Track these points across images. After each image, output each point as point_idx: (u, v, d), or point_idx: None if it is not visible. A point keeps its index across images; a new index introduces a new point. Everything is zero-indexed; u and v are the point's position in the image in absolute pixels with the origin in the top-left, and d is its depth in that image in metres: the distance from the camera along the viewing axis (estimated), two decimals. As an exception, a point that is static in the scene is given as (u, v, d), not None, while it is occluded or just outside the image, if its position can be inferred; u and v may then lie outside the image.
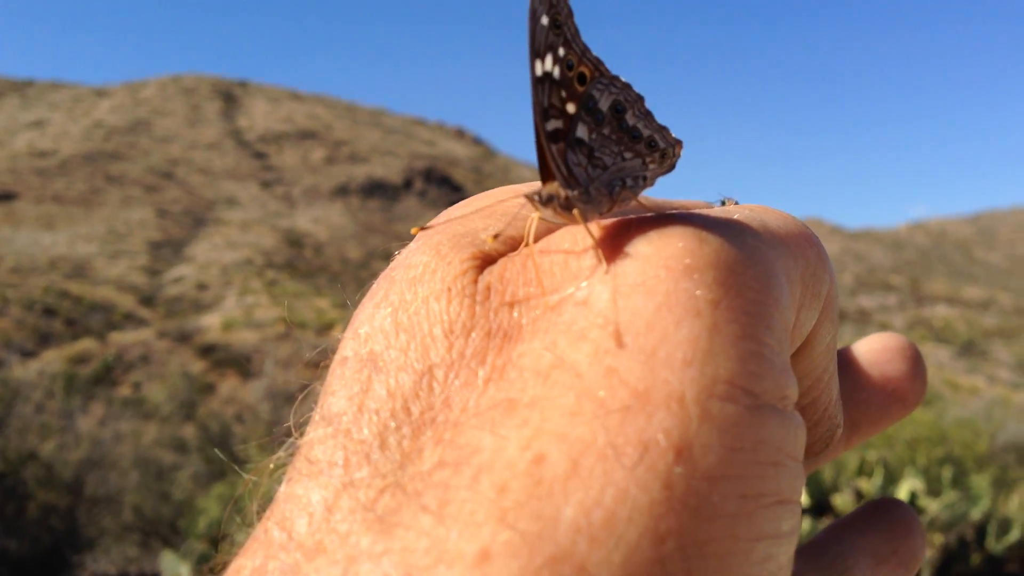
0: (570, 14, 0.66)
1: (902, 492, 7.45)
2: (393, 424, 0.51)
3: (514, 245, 0.61)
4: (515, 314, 0.55)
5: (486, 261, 0.59)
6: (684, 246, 0.55)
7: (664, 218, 0.59)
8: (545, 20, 0.63)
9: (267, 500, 0.54)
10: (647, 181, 0.70)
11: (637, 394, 0.47)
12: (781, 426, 0.50)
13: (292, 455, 0.54)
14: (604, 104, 0.68)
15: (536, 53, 0.63)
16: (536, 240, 0.62)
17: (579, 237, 0.60)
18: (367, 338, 0.56)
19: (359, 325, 0.58)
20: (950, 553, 7.55)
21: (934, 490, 7.83)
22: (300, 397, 0.60)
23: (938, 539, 7.32)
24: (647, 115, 0.69)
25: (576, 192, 0.64)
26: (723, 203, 0.82)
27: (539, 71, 0.63)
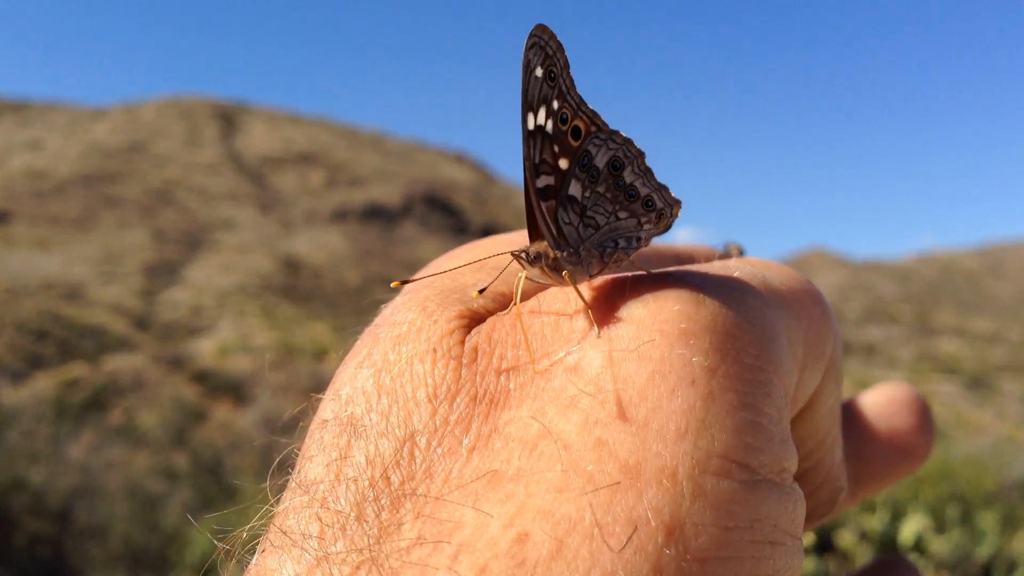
0: (566, 65, 0.62)
1: (907, 530, 7.34)
2: (372, 494, 0.50)
3: (505, 303, 0.60)
4: (503, 379, 0.53)
5: (475, 320, 0.58)
6: (680, 309, 0.53)
7: (660, 278, 0.57)
8: (539, 72, 0.61)
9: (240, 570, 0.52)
10: (641, 242, 0.68)
11: (627, 469, 0.46)
12: (779, 502, 0.49)
13: (268, 523, 0.53)
14: (601, 160, 0.64)
15: (528, 106, 0.61)
16: (527, 298, 0.60)
17: (572, 297, 0.58)
18: (348, 400, 0.55)
19: (340, 386, 0.56)
20: (956, 593, 7.43)
21: (940, 528, 7.73)
22: (277, 459, 0.57)
23: (944, 578, 7.19)
24: (647, 172, 0.65)
25: (565, 253, 0.62)
26: (727, 248, 0.81)
27: (531, 124, 0.61)
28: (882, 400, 0.80)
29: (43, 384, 15.20)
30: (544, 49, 0.61)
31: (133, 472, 10.19)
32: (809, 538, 7.10)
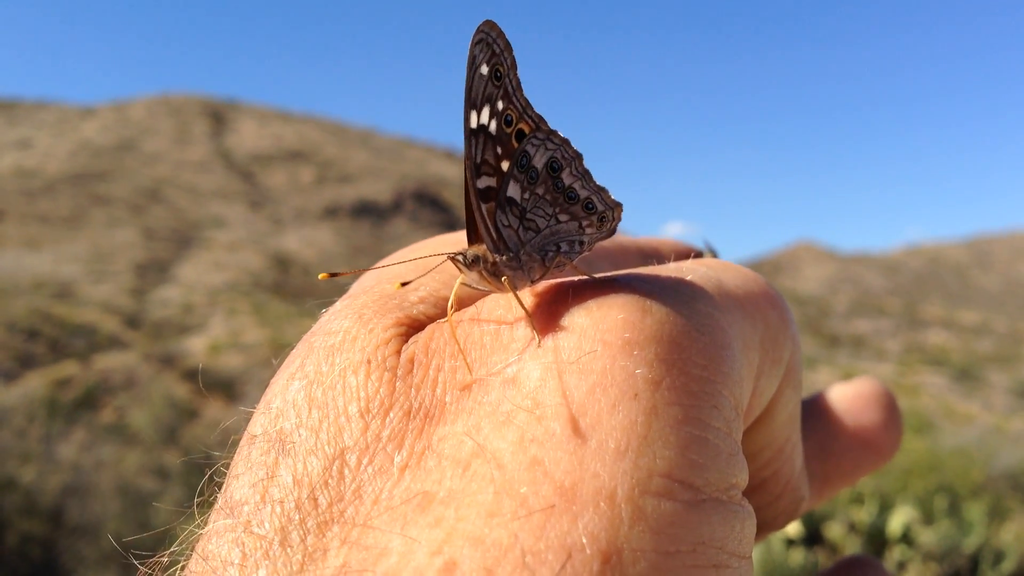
0: (513, 66, 0.61)
1: (896, 521, 7.38)
2: (298, 517, 0.47)
3: (446, 308, 0.57)
4: (439, 391, 0.51)
5: (413, 328, 0.55)
6: (624, 318, 0.51)
7: (605, 284, 0.54)
8: (484, 70, 0.59)
9: None
10: (584, 246, 0.65)
11: (563, 491, 0.44)
12: (725, 522, 0.47)
13: (193, 545, 0.50)
14: (539, 161, 0.62)
15: (472, 104, 0.59)
16: (470, 303, 0.58)
17: (514, 303, 0.55)
18: (278, 414, 0.52)
19: (271, 398, 0.54)
20: (944, 584, 7.46)
21: (928, 519, 7.76)
22: (208, 474, 0.55)
23: (932, 569, 7.23)
24: (585, 175, 0.64)
25: (505, 257, 0.60)
26: (708, 247, 0.79)
27: (474, 123, 0.59)
28: (849, 395, 0.78)
29: (34, 383, 15.15)
30: (491, 47, 0.59)
31: (125, 471, 10.17)
32: (798, 530, 7.13)
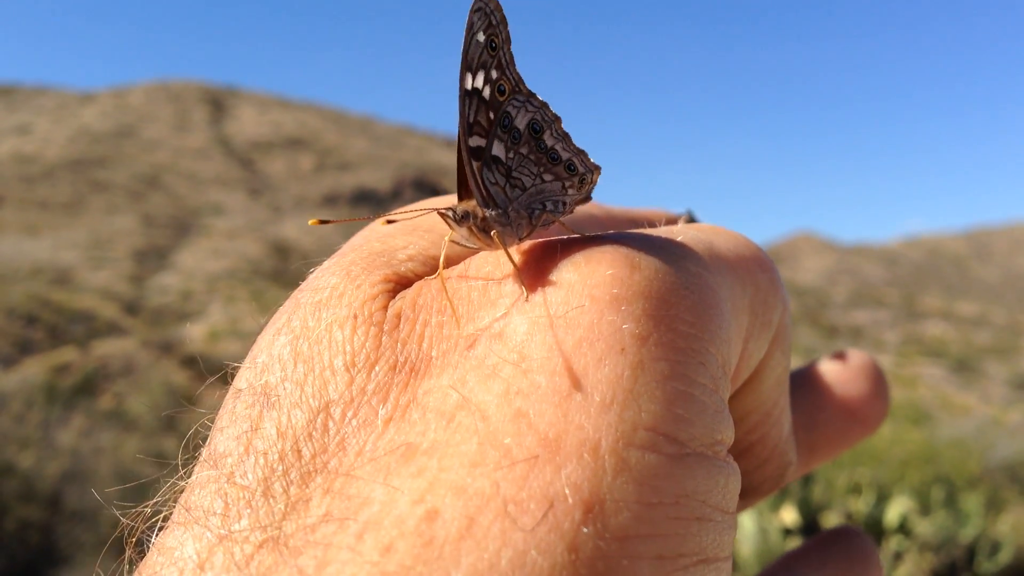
0: (507, 39, 0.62)
1: (893, 512, 7.39)
2: (281, 468, 0.47)
3: (435, 266, 0.57)
4: (425, 346, 0.51)
5: (401, 284, 0.55)
6: (613, 274, 0.51)
7: (594, 240, 0.54)
8: (481, 37, 0.61)
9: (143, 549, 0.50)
10: (567, 207, 0.66)
11: (547, 442, 0.44)
12: (709, 476, 0.47)
13: (174, 497, 0.50)
14: (521, 122, 0.63)
15: (468, 67, 0.60)
16: (458, 262, 0.58)
17: (502, 261, 0.55)
18: (263, 368, 0.52)
19: (257, 353, 0.54)
20: (939, 575, 7.48)
21: (925, 510, 7.77)
22: (193, 428, 0.55)
23: (928, 560, 7.25)
24: (565, 137, 0.65)
25: (494, 213, 0.60)
26: (688, 213, 0.79)
27: (468, 84, 0.61)
28: (836, 366, 0.78)
29: (33, 369, 15.15)
30: (488, 17, 0.61)
31: (123, 456, 10.19)
32: (795, 519, 7.15)
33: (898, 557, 7.25)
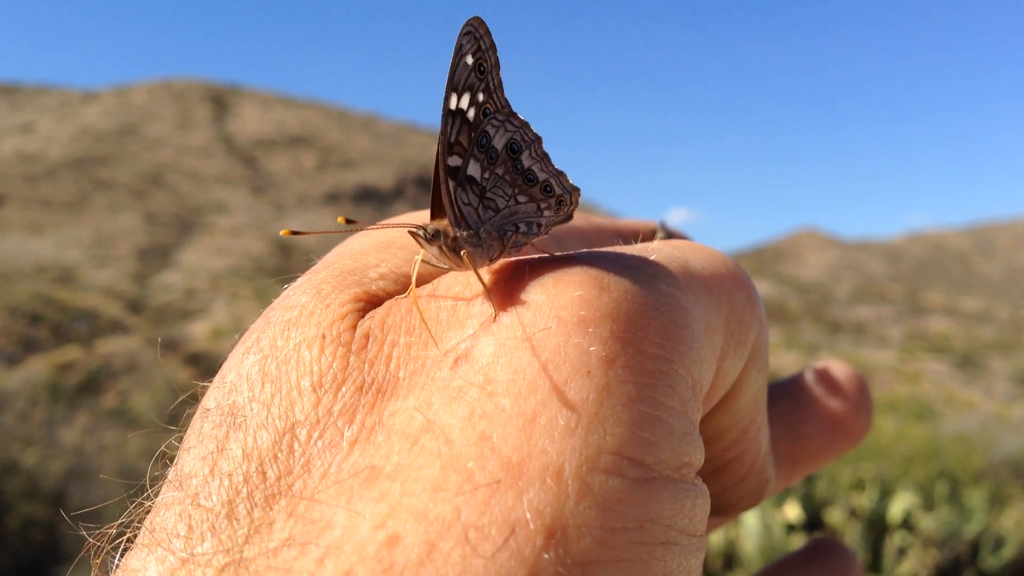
0: (496, 64, 0.62)
1: (896, 507, 7.38)
2: (245, 490, 0.47)
3: (407, 285, 0.57)
4: (392, 367, 0.51)
5: (371, 303, 0.55)
6: (581, 295, 0.50)
7: (565, 261, 0.54)
8: (469, 60, 0.61)
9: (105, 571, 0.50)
10: (542, 228, 0.66)
11: (509, 466, 0.43)
12: (675, 500, 0.46)
13: (139, 518, 0.50)
14: (499, 142, 0.63)
15: (453, 87, 0.60)
16: (427, 281, 0.58)
17: (472, 281, 0.55)
18: (231, 388, 0.52)
19: (226, 372, 0.54)
20: (943, 570, 7.47)
21: (928, 505, 7.77)
22: (162, 447, 0.54)
23: (932, 556, 7.24)
24: (544, 158, 0.64)
25: (465, 233, 0.60)
26: (662, 225, 0.79)
27: (453, 104, 0.60)
28: (820, 379, 0.78)
29: (37, 367, 15.18)
30: (478, 41, 0.61)
31: (127, 454, 10.20)
32: (798, 515, 7.15)
33: (902, 553, 7.25)
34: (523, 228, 0.64)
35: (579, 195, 0.66)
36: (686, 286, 0.54)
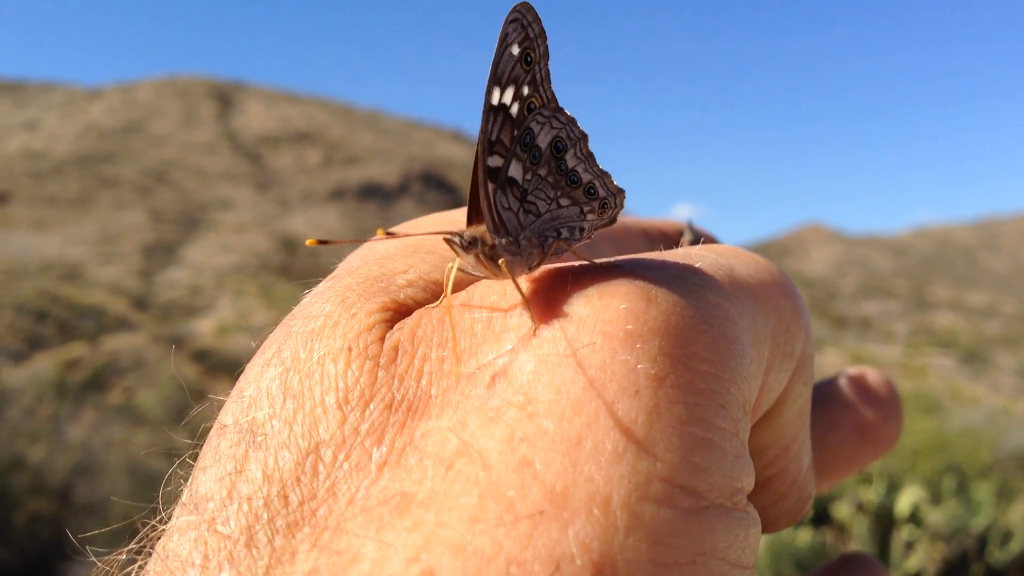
0: (545, 54, 0.58)
1: (904, 501, 7.37)
2: (266, 516, 0.44)
3: (436, 293, 0.54)
4: (424, 383, 0.47)
5: (400, 313, 0.52)
6: (627, 308, 0.47)
7: (608, 270, 0.51)
8: (516, 50, 0.56)
9: None
10: (584, 233, 0.62)
11: (553, 495, 0.41)
12: (728, 530, 0.44)
13: (153, 542, 0.47)
14: (543, 140, 0.59)
15: (497, 80, 0.56)
16: (459, 289, 0.55)
17: (509, 290, 0.52)
18: (251, 403, 0.49)
19: (245, 385, 0.50)
20: (951, 564, 7.46)
21: (936, 499, 7.75)
22: (175, 464, 0.52)
23: (939, 550, 7.22)
24: (589, 157, 0.61)
25: (504, 241, 0.56)
26: (689, 225, 0.77)
27: (495, 100, 0.56)
28: (849, 385, 0.76)
29: (43, 364, 15.20)
30: (525, 29, 0.57)
31: (133, 450, 10.21)
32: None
33: (909, 547, 7.24)
34: (565, 234, 0.60)
35: (624, 197, 0.63)
36: (733, 296, 0.52)
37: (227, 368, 16.70)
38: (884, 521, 7.32)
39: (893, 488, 7.66)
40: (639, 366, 0.44)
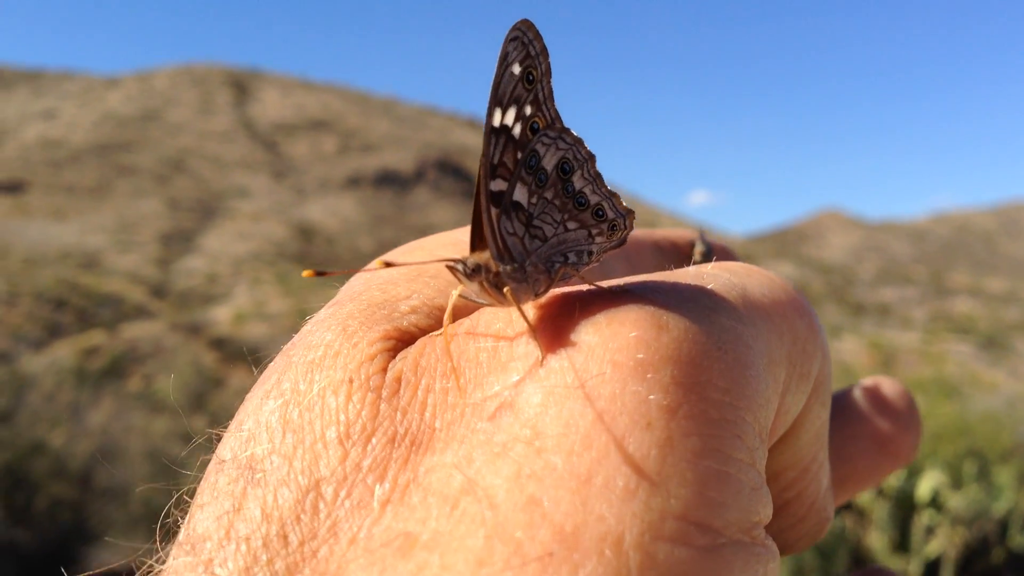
0: (547, 72, 0.56)
1: (924, 486, 7.34)
2: (265, 557, 0.43)
3: (442, 318, 0.53)
4: (427, 415, 0.46)
5: (403, 341, 0.51)
6: (638, 336, 0.45)
7: (617, 295, 0.49)
8: (517, 69, 0.55)
9: None
10: (592, 257, 0.60)
11: (563, 536, 0.39)
12: (746, 567, 0.43)
13: None
14: (549, 162, 0.58)
15: (498, 101, 0.55)
16: (464, 315, 0.53)
17: (515, 316, 0.50)
18: (249, 437, 0.48)
19: (244, 418, 0.49)
20: (971, 549, 7.43)
21: (957, 484, 7.72)
22: (174, 498, 0.51)
23: (960, 534, 7.19)
24: (597, 178, 0.59)
25: (509, 268, 0.55)
26: (701, 235, 0.76)
27: (497, 121, 0.55)
28: (865, 397, 0.74)
29: (62, 352, 15.31)
30: (526, 47, 0.55)
31: (153, 436, 10.27)
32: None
33: (930, 531, 7.21)
34: (572, 258, 0.59)
35: (633, 218, 0.61)
36: (747, 318, 0.50)
37: (244, 356, 16.79)
38: (904, 506, 7.29)
39: (913, 472, 7.62)
40: (651, 397, 0.43)
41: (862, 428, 0.73)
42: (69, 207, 32.14)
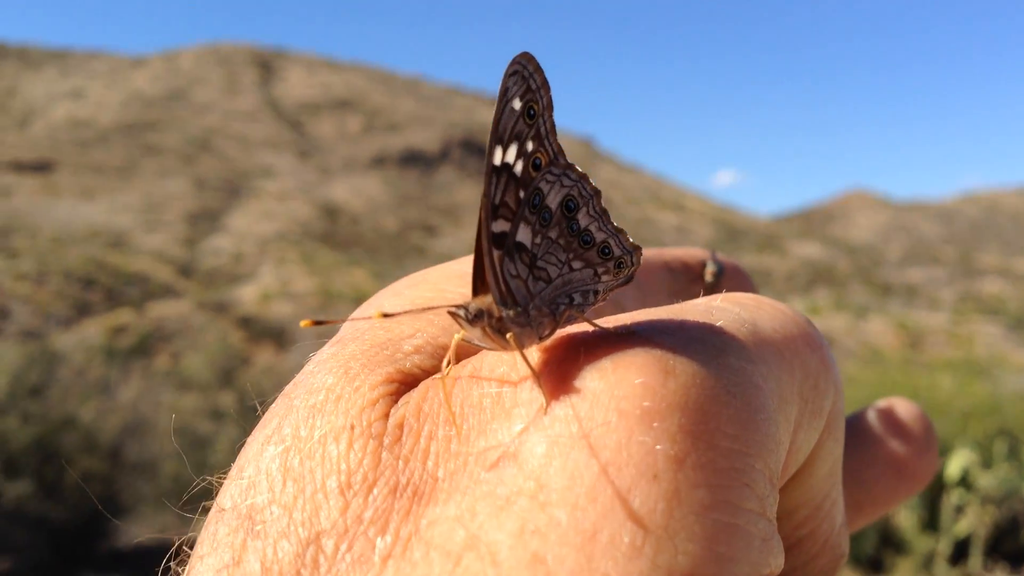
0: (549, 106, 0.55)
1: (954, 465, 7.29)
2: None
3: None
4: (430, 464, 0.45)
5: (406, 384, 0.49)
6: (644, 383, 0.44)
7: (623, 338, 0.47)
8: (517, 104, 0.53)
9: None
10: (598, 296, 0.59)
11: None
12: None
13: None
14: (554, 200, 0.56)
15: (498, 139, 0.53)
16: (463, 357, 0.52)
17: (519, 361, 0.48)
18: (250, 486, 0.46)
19: (244, 464, 0.48)
20: (1001, 528, 7.38)
21: (987, 463, 7.66)
22: (176, 545, 0.49)
23: (990, 513, 7.14)
24: (603, 214, 0.58)
25: (512, 312, 0.52)
26: (712, 256, 0.74)
27: (497, 159, 0.53)
28: (880, 419, 0.73)
29: (91, 330, 15.47)
30: (527, 81, 0.54)
31: (181, 411, 10.36)
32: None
33: (959, 511, 7.16)
34: (577, 299, 0.57)
35: (641, 255, 0.60)
36: (757, 356, 0.48)
37: (270, 334, 16.89)
38: (934, 485, 7.25)
39: (943, 451, 7.57)
40: (657, 447, 0.42)
41: (878, 452, 0.71)
42: (97, 187, 32.37)
